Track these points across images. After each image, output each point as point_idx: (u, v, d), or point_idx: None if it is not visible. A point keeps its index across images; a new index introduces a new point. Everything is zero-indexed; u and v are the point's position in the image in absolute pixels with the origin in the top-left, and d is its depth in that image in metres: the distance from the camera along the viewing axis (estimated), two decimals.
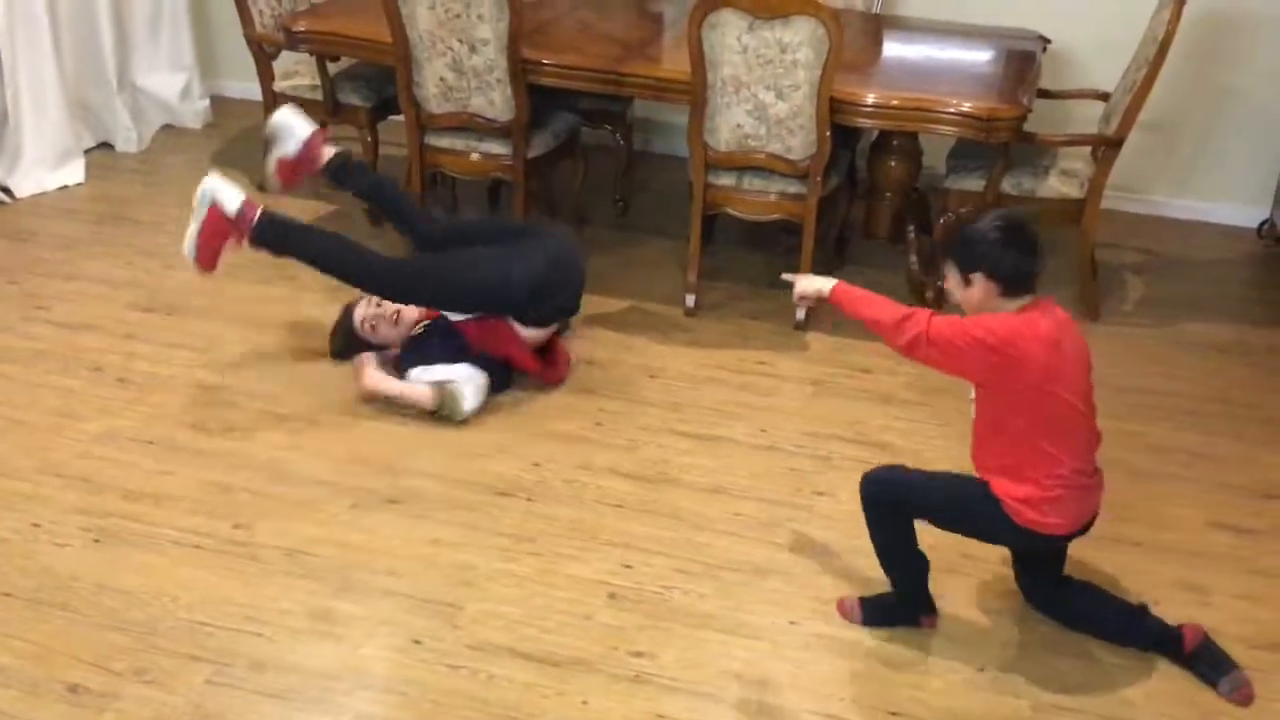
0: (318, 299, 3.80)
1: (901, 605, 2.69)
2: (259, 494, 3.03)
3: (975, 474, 2.57)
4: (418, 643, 2.58)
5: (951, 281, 2.53)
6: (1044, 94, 4.04)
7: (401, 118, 4.09)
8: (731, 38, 3.55)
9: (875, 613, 2.70)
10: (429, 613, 2.66)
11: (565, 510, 3.02)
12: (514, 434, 3.32)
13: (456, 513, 2.99)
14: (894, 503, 2.59)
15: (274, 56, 4.51)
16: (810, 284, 2.71)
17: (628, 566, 2.84)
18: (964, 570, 2.84)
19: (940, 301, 4.02)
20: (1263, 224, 4.61)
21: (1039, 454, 2.46)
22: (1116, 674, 2.57)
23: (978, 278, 2.45)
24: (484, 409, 3.37)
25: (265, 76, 4.52)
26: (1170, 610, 2.73)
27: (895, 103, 3.67)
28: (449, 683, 2.48)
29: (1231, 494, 3.15)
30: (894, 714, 2.45)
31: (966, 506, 2.54)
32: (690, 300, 3.97)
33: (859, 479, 2.61)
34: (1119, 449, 3.31)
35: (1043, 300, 2.49)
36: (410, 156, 4.11)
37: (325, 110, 4.43)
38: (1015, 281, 2.44)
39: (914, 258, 4.13)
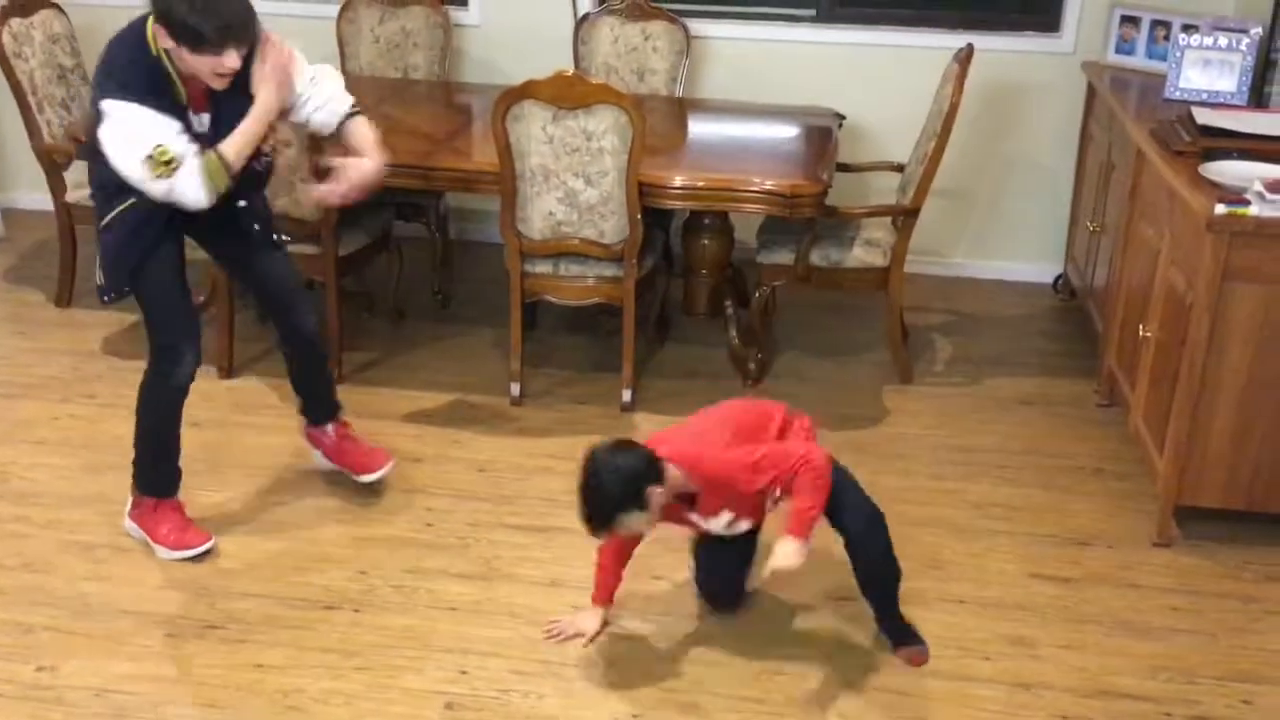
0: (121, 415, 3.62)
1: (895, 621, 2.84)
2: (62, 631, 2.84)
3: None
4: None
5: None
6: (843, 168, 4.19)
7: None
8: (537, 128, 3.57)
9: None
10: None
11: (396, 619, 2.92)
12: (337, 543, 3.20)
13: (280, 633, 2.86)
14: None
15: (65, 167, 4.34)
16: (782, 562, 2.52)
17: (464, 673, 2.75)
18: (805, 640, 2.86)
19: (761, 371, 4.09)
20: (1057, 279, 4.85)
21: None
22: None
23: None
24: (309, 515, 3.26)
25: (57, 188, 4.34)
26: (1002, 664, 2.80)
27: (701, 184, 3.75)
28: None
29: (1048, 544, 3.26)
30: None
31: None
32: (515, 389, 3.94)
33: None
34: (939, 507, 3.41)
35: None
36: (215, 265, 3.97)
37: None
38: None
39: (733, 332, 4.19)
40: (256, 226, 3.14)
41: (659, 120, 4.21)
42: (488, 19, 4.92)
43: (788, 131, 4.27)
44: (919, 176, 3.88)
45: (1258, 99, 3.87)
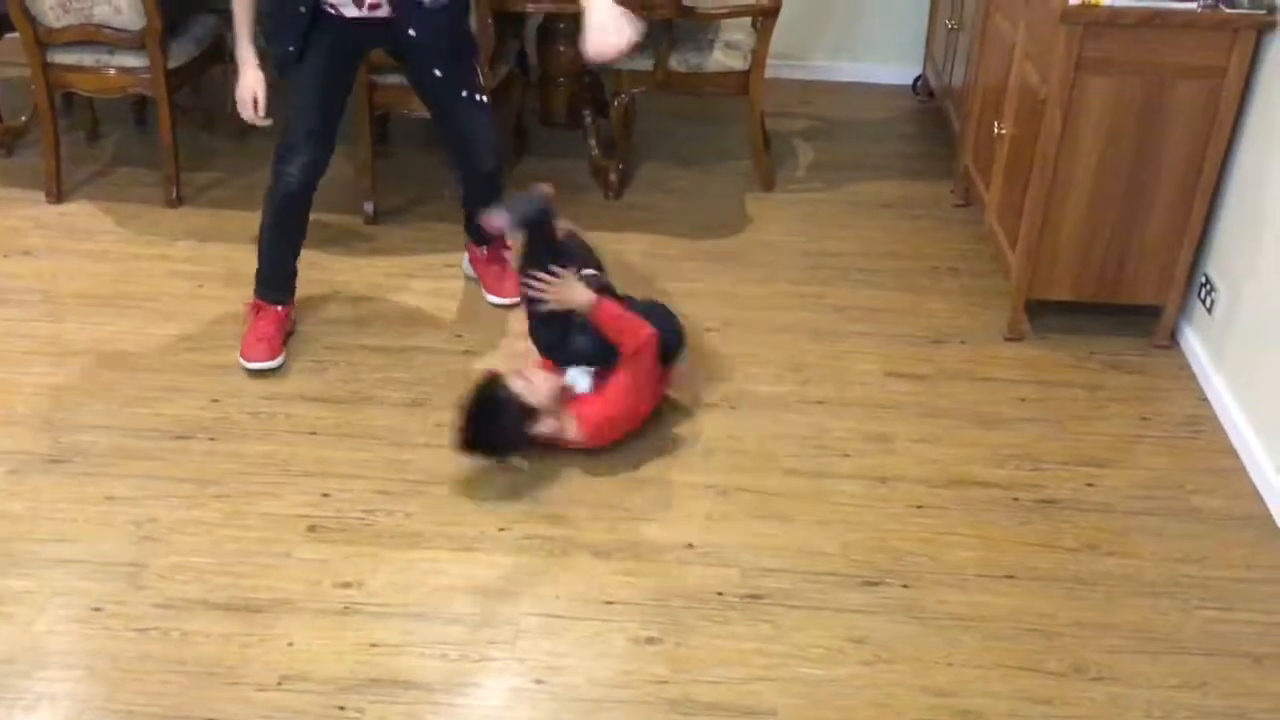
0: None
1: None
2: None
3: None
4: (98, 610, 2.38)
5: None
6: None
7: (18, 35, 3.65)
8: None
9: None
10: (108, 576, 2.46)
11: (253, 446, 2.85)
12: (186, 371, 3.09)
13: (130, 464, 2.77)
14: None
15: None
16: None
17: (326, 495, 2.71)
18: (668, 448, 2.88)
19: (622, 184, 4.01)
20: (916, 80, 4.83)
21: None
22: (813, 531, 2.67)
23: None
24: (153, 344, 3.13)
25: None
26: (860, 461, 2.87)
27: None
28: (138, 648, 2.30)
29: (905, 344, 3.32)
30: (609, 602, 2.47)
31: None
32: (369, 208, 3.80)
33: None
34: (801, 311, 3.44)
35: None
36: (34, 78, 3.68)
37: None
38: None
39: (593, 142, 4.09)
40: (412, 31, 2.98)
41: None
42: None
43: None
44: None
45: None
